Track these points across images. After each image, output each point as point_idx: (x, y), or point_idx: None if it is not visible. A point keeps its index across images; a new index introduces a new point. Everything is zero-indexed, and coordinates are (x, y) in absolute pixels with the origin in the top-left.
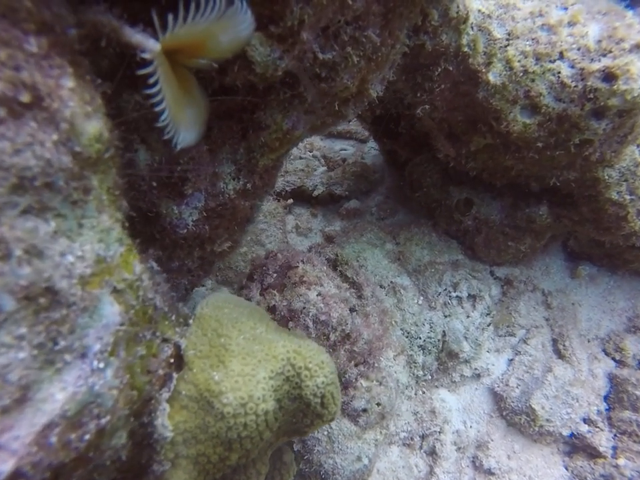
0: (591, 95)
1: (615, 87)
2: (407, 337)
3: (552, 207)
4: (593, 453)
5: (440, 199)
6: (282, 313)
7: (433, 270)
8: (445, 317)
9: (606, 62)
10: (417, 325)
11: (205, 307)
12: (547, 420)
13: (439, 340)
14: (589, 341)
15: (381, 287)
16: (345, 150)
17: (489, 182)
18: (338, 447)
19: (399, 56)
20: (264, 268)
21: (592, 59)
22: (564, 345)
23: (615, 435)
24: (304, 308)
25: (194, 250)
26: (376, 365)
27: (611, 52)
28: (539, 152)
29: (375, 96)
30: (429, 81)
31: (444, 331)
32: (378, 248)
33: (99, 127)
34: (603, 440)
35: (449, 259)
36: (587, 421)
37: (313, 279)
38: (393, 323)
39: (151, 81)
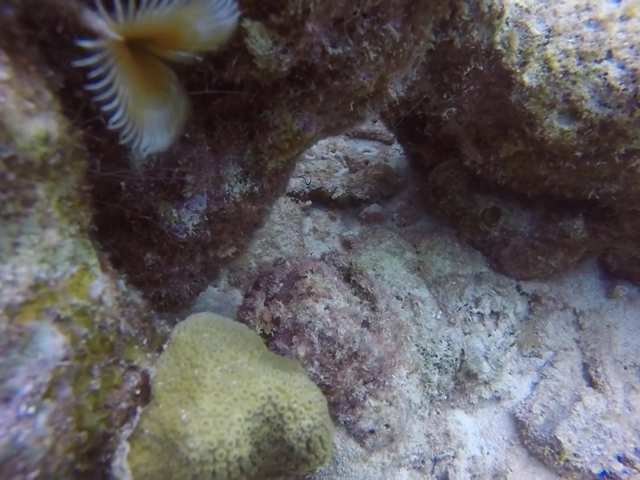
0: None
1: None
2: (422, 354)
3: (589, 221)
4: None
5: (465, 207)
6: (286, 326)
7: (454, 283)
8: (465, 334)
9: None
10: (433, 342)
11: (182, 330)
12: (575, 454)
13: (456, 359)
14: (625, 368)
15: (397, 298)
16: (369, 151)
17: (518, 191)
18: (342, 469)
19: (423, 53)
20: (270, 276)
21: None
22: (596, 371)
23: None
24: (309, 322)
25: (196, 255)
26: (387, 383)
27: None
28: (578, 162)
29: (394, 97)
30: (456, 82)
31: (462, 350)
32: (397, 256)
33: (44, 128)
34: None
35: (472, 272)
36: (622, 459)
37: (321, 291)
38: (408, 338)
39: (94, 74)
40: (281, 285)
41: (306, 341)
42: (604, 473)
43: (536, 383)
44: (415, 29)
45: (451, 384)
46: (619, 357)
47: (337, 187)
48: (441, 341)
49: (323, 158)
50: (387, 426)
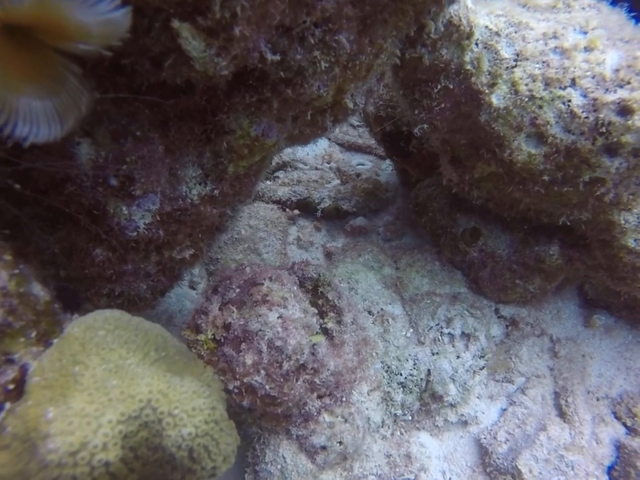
0: (604, 129)
1: (630, 122)
2: (386, 372)
3: (564, 248)
4: None
5: (446, 226)
6: (236, 333)
7: (428, 301)
8: (433, 354)
9: (622, 94)
10: (399, 360)
11: (77, 325)
12: None
13: (421, 379)
14: (597, 400)
15: (369, 313)
16: (363, 165)
17: (496, 213)
18: None
19: (387, 67)
20: (228, 281)
21: (607, 89)
22: (566, 401)
23: None
24: (260, 330)
25: (150, 254)
26: (344, 399)
27: (628, 83)
28: (546, 186)
29: (352, 107)
30: (427, 99)
31: (429, 370)
32: (373, 271)
33: None
34: None
35: (450, 291)
36: None
37: (276, 300)
38: (374, 354)
39: None
40: (238, 290)
41: (254, 349)
42: None
43: (505, 409)
44: (373, 42)
45: (416, 404)
46: (592, 388)
47: (323, 198)
48: (407, 360)
49: (317, 168)
50: (340, 443)
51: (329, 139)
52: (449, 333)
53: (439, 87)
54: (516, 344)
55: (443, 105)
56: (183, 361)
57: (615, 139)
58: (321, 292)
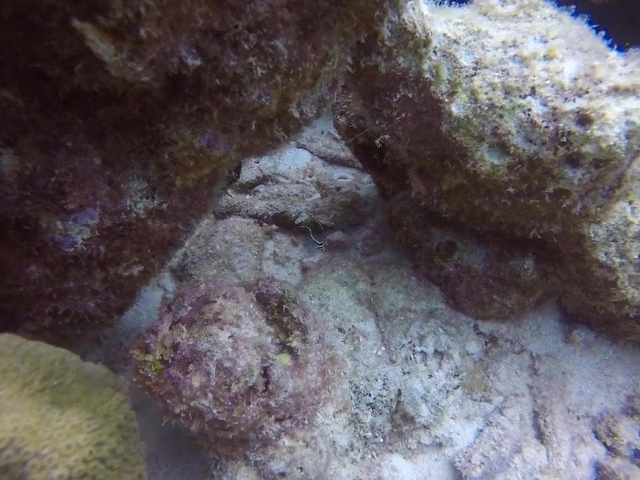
0: (564, 139)
1: (589, 132)
2: (354, 392)
3: (539, 262)
4: None
5: (421, 240)
6: (184, 353)
7: (402, 318)
8: (404, 373)
9: (581, 103)
10: (368, 380)
11: None
12: None
13: (391, 400)
14: (578, 418)
15: (340, 330)
16: (345, 178)
17: (469, 226)
18: None
19: (337, 75)
20: (180, 298)
21: (566, 98)
22: (545, 421)
23: None
24: (209, 350)
25: (94, 271)
26: (306, 421)
27: (587, 92)
28: (512, 198)
29: (298, 116)
30: (387, 108)
31: (399, 390)
32: (346, 287)
33: None
34: None
35: (426, 307)
36: None
37: (229, 318)
38: (342, 374)
39: None
40: (190, 308)
41: (202, 370)
42: None
43: (481, 430)
44: (317, 49)
45: (387, 426)
46: (572, 406)
47: (301, 212)
48: (376, 380)
49: (298, 182)
50: (301, 469)
51: (312, 152)
52: (422, 351)
53: (398, 96)
54: (494, 361)
55: (403, 115)
56: (83, 389)
57: (576, 149)
58: (285, 309)
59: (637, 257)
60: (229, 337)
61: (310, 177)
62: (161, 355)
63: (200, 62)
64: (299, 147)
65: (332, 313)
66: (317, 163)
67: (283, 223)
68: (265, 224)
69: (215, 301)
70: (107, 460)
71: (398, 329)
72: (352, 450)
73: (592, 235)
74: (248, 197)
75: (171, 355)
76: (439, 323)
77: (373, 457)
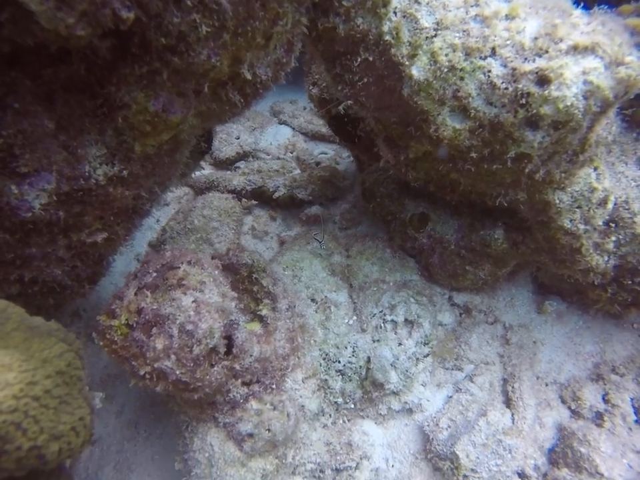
0: (523, 101)
1: (547, 92)
2: (324, 359)
3: (508, 231)
4: None
5: (395, 212)
6: (147, 317)
7: (375, 288)
8: (374, 341)
9: (540, 63)
10: (337, 348)
11: None
12: (472, 470)
13: (361, 366)
14: (546, 385)
15: (312, 300)
16: (325, 154)
17: (440, 196)
18: (216, 473)
19: (293, 37)
20: (146, 265)
21: (526, 59)
22: (512, 387)
23: None
24: (172, 314)
25: (56, 237)
26: (274, 386)
27: (547, 52)
28: (476, 164)
29: (249, 78)
30: (349, 73)
31: (369, 357)
32: (320, 259)
33: None
34: None
35: (400, 279)
36: (521, 475)
37: (193, 284)
38: (312, 342)
39: None
40: (154, 274)
41: (165, 333)
42: None
43: (451, 397)
44: (266, 7)
45: (357, 392)
46: (542, 374)
47: (278, 187)
48: (346, 347)
49: (279, 158)
50: (268, 430)
51: (293, 129)
52: (392, 320)
53: (359, 59)
54: (466, 331)
55: (365, 80)
56: (23, 337)
57: (535, 111)
58: (255, 278)
59: (601, 223)
60: (192, 302)
61: (291, 152)
62: (126, 319)
63: (134, 14)
64: (280, 123)
65: (305, 284)
66: (298, 138)
67: (261, 197)
68: (243, 199)
69: (179, 267)
70: (41, 399)
71: (370, 299)
72: (323, 415)
73: (557, 201)
74: (228, 173)
75: (135, 319)
76: (410, 293)
77: (344, 422)
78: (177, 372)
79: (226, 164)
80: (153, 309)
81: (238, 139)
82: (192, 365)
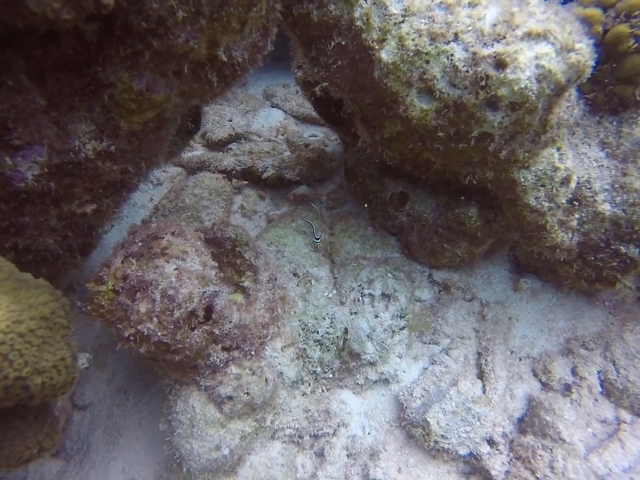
0: (483, 83)
1: (503, 75)
2: (302, 330)
3: (481, 210)
4: (486, 476)
5: (376, 191)
6: (132, 283)
7: (355, 264)
8: (351, 313)
9: (498, 48)
10: (316, 319)
11: None
12: (442, 436)
13: (338, 337)
14: (520, 359)
15: (294, 275)
16: (315, 136)
17: (417, 176)
18: (197, 433)
19: (268, 22)
20: (132, 236)
21: (485, 44)
22: (486, 360)
23: (511, 460)
24: (155, 280)
25: (48, 207)
26: (253, 352)
27: (504, 38)
28: (444, 143)
29: (225, 60)
30: (324, 56)
31: (346, 328)
32: (303, 235)
33: None
34: (497, 464)
35: (381, 256)
36: (490, 442)
37: (175, 253)
38: (292, 313)
39: None
40: (140, 244)
41: (148, 298)
42: (470, 454)
43: (426, 369)
44: None
45: (335, 362)
46: (515, 349)
47: (267, 167)
48: (324, 318)
49: (270, 140)
50: (247, 394)
51: (285, 111)
52: (370, 294)
53: (333, 44)
54: (443, 307)
55: (339, 63)
56: (12, 286)
57: (493, 93)
58: (238, 251)
59: (564, 201)
60: (174, 269)
61: (282, 135)
62: (112, 285)
63: (113, 1)
64: (273, 107)
65: (287, 259)
66: (289, 121)
67: (250, 177)
68: (234, 179)
69: (163, 237)
70: (26, 336)
71: (350, 274)
72: (302, 384)
73: (522, 180)
74: (220, 154)
75: (121, 285)
76: (388, 269)
77: (322, 391)
78: (159, 334)
79: (218, 145)
80: (137, 275)
81: (230, 121)
82: (172, 327)
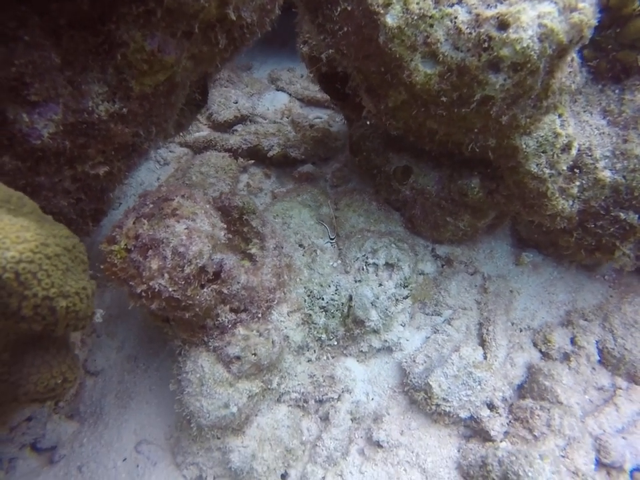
0: (486, 44)
1: (506, 35)
2: (308, 296)
3: (484, 180)
4: (485, 437)
5: (380, 165)
6: (144, 241)
7: (360, 236)
8: (356, 281)
9: (500, 8)
10: (321, 286)
11: None
12: (444, 399)
13: (343, 304)
14: (520, 331)
15: (300, 246)
16: (320, 118)
17: (421, 147)
18: (206, 391)
19: None
20: (143, 198)
21: (488, 5)
22: (487, 330)
23: (510, 422)
24: (166, 238)
25: (62, 167)
26: (260, 315)
27: None
28: (447, 108)
29: (234, 19)
30: (330, 22)
31: (350, 296)
32: (309, 208)
33: None
34: (496, 425)
35: (385, 230)
36: (490, 406)
37: (186, 213)
38: (297, 280)
39: None
40: (151, 206)
41: (159, 255)
42: (471, 417)
43: (428, 337)
44: None
45: (340, 330)
46: (516, 320)
47: (272, 146)
48: (329, 285)
49: (275, 122)
50: (255, 354)
51: (290, 95)
52: (374, 263)
53: (339, 9)
54: (446, 279)
55: (345, 29)
56: (37, 219)
57: (496, 54)
58: (245, 219)
59: (565, 168)
60: (185, 229)
61: (287, 117)
62: (125, 244)
63: None
64: (277, 90)
65: (293, 230)
66: (294, 104)
67: (256, 156)
68: (240, 158)
69: (174, 199)
70: (52, 259)
71: (354, 245)
72: (307, 350)
73: (523, 146)
74: (226, 135)
75: (133, 244)
76: (392, 239)
77: (327, 358)
78: (170, 289)
79: (224, 127)
80: (149, 234)
81: (236, 103)
82: (183, 283)
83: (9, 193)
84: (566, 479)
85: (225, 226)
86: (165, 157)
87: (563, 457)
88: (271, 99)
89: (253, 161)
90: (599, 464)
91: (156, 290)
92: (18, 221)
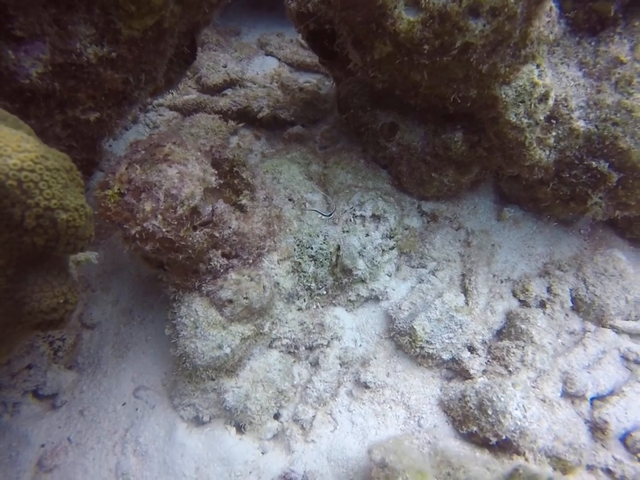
0: None
1: None
2: (297, 245)
3: (467, 134)
4: (465, 376)
5: (367, 123)
6: (137, 184)
7: (348, 191)
8: (343, 232)
9: None
10: (310, 236)
11: None
12: (427, 342)
13: (331, 253)
14: (501, 282)
15: (290, 200)
16: (309, 82)
17: (407, 103)
18: (200, 333)
19: None
20: (135, 145)
21: None
22: (469, 280)
23: (488, 361)
24: (158, 181)
25: (53, 111)
26: (251, 261)
27: None
28: (430, 57)
29: None
30: None
31: (338, 245)
32: (298, 165)
33: None
34: (475, 364)
35: (373, 186)
36: (470, 348)
37: (177, 159)
38: (287, 230)
39: None
40: (143, 152)
41: (152, 197)
42: (452, 359)
43: (414, 287)
44: None
45: (329, 279)
46: (497, 272)
47: (262, 107)
48: (318, 235)
49: (264, 87)
50: (246, 298)
51: (279, 59)
52: (361, 215)
53: None
54: (431, 233)
55: None
56: (37, 140)
57: None
58: (236, 171)
59: (542, 118)
60: (177, 172)
61: (277, 82)
62: (118, 188)
63: None
64: (267, 55)
65: (283, 185)
66: (284, 69)
67: (246, 117)
68: (230, 120)
69: (165, 145)
70: (52, 172)
71: (342, 199)
72: (298, 298)
73: (503, 96)
74: (216, 97)
75: (127, 187)
76: (379, 193)
77: (317, 307)
78: (163, 230)
79: (213, 90)
80: (141, 178)
81: (225, 67)
82: (176, 223)
83: (5, 114)
84: (534, 403)
85: (216, 172)
86: (154, 120)
87: (534, 387)
88: (260, 64)
89: (242, 124)
90: (565, 393)
91: (150, 231)
92: (18, 132)
